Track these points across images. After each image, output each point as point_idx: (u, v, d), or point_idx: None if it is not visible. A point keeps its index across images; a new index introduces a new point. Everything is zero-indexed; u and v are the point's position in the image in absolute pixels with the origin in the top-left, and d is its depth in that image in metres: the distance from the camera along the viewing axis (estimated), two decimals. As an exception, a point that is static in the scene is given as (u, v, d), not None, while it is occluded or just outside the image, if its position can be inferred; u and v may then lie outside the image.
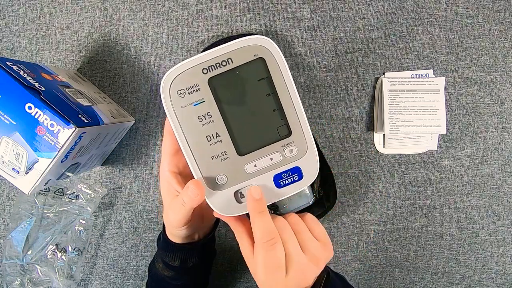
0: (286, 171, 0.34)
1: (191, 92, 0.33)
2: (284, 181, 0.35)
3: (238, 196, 0.35)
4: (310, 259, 0.33)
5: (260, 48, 0.32)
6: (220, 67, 0.32)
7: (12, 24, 0.51)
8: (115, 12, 0.51)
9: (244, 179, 0.34)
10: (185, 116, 0.33)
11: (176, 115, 0.33)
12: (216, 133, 0.33)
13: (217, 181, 0.34)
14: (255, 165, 0.34)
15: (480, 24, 0.52)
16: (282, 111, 0.33)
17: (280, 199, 0.35)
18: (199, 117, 0.33)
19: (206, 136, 0.33)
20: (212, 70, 0.32)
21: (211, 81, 0.32)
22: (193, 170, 0.34)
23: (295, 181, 0.35)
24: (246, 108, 0.33)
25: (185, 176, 0.36)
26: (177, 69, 0.32)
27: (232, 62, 0.32)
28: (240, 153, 0.34)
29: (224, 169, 0.34)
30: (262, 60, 0.32)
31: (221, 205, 0.35)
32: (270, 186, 0.35)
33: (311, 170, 0.35)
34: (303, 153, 0.34)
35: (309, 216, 0.36)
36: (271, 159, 0.34)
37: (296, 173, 0.35)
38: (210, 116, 0.33)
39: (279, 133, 0.34)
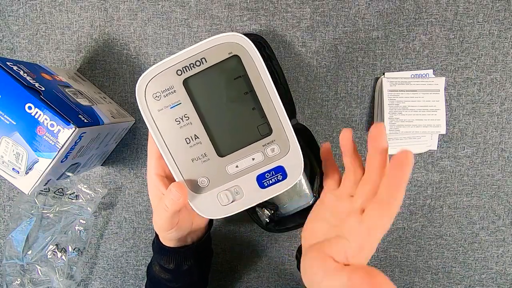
0: (269, 171, 0.34)
1: (166, 95, 0.32)
2: (267, 181, 0.34)
3: (221, 197, 0.34)
4: None
5: (234, 45, 0.31)
6: (194, 67, 0.31)
7: (12, 24, 0.51)
8: (115, 12, 0.51)
9: (226, 181, 0.34)
10: (162, 120, 0.32)
11: (153, 118, 0.32)
12: (195, 135, 0.33)
13: (199, 183, 0.34)
14: (236, 166, 0.33)
15: (480, 24, 0.52)
16: (261, 109, 0.32)
17: (265, 200, 0.34)
18: (177, 120, 0.32)
19: (185, 139, 0.33)
20: (187, 71, 0.32)
21: (186, 82, 0.32)
22: (174, 173, 0.33)
23: (279, 180, 0.34)
24: (224, 108, 0.32)
25: (172, 179, 0.35)
26: (151, 72, 0.32)
27: (206, 62, 0.31)
28: (221, 154, 0.33)
29: (205, 171, 0.33)
30: (237, 57, 0.31)
31: (205, 208, 0.34)
32: (254, 187, 0.34)
33: (295, 168, 0.34)
34: (285, 151, 0.33)
35: None
36: (253, 159, 0.33)
37: (280, 172, 0.34)
38: (187, 118, 0.32)
39: (260, 132, 0.33)
